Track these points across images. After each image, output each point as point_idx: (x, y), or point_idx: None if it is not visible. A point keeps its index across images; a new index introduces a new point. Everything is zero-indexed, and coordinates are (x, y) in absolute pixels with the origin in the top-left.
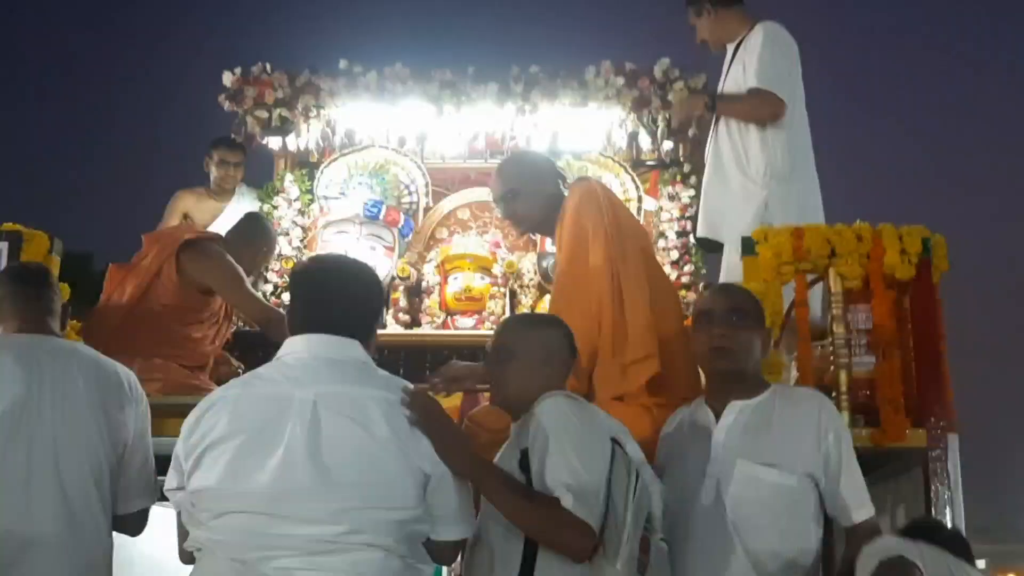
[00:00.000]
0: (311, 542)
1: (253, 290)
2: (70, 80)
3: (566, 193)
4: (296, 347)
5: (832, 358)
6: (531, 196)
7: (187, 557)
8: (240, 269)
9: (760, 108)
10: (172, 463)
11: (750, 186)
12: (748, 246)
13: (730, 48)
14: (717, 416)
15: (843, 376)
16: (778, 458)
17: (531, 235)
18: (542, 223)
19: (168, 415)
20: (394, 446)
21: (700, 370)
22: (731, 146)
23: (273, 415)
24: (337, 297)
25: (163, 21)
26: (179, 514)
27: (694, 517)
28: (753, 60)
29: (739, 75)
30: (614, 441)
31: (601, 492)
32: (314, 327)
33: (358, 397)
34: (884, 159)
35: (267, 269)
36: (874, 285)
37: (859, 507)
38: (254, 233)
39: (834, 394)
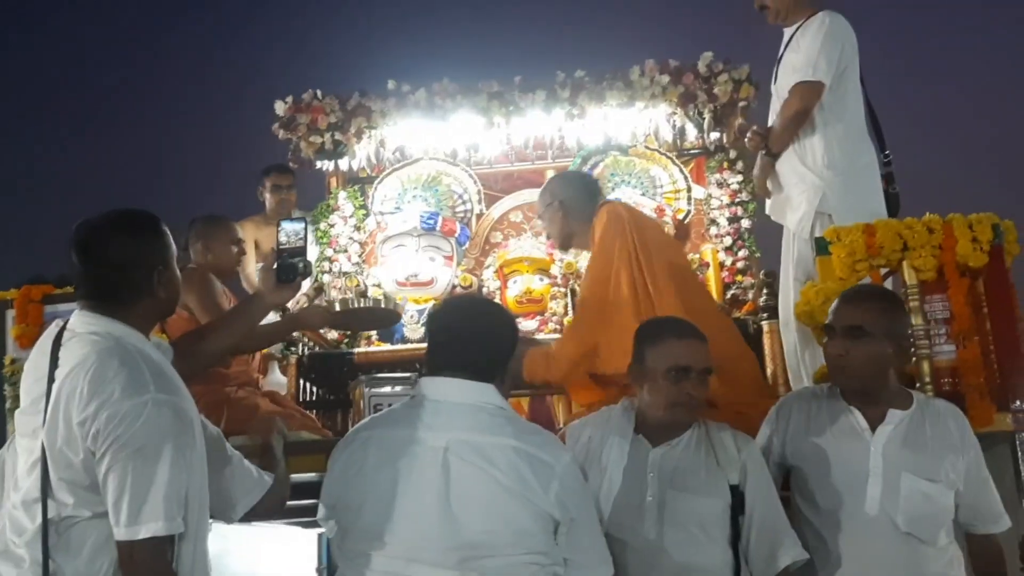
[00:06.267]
0: None
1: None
2: (121, 114)
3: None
4: (431, 390)
5: (912, 349)
6: (552, 217)
7: None
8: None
9: (805, 101)
10: (321, 495)
11: (809, 176)
12: (822, 246)
13: (787, 32)
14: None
15: (926, 366)
16: (938, 474)
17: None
18: (572, 240)
19: None
20: (521, 494)
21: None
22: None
23: (407, 460)
24: (471, 339)
25: (211, 52)
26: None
27: (858, 524)
28: (802, 48)
29: (796, 61)
30: None
31: None
32: (449, 370)
33: (487, 445)
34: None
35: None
36: (949, 275)
37: (998, 519)
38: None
39: (917, 384)
